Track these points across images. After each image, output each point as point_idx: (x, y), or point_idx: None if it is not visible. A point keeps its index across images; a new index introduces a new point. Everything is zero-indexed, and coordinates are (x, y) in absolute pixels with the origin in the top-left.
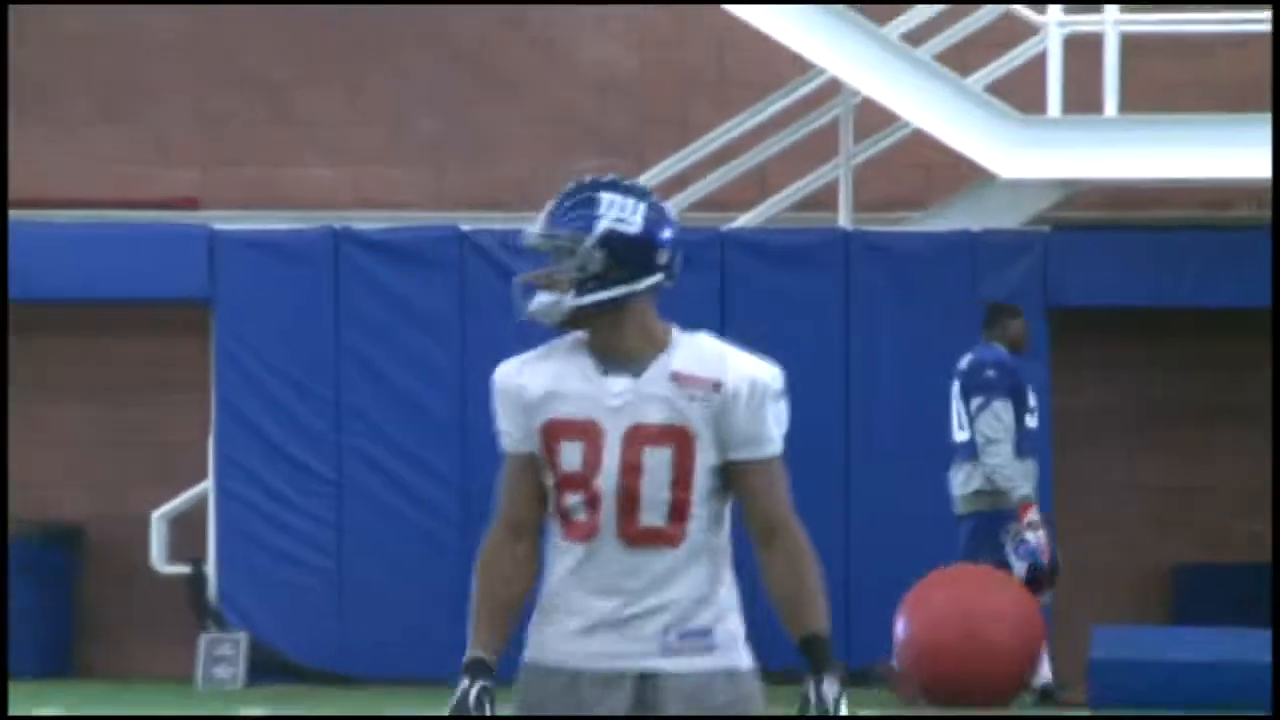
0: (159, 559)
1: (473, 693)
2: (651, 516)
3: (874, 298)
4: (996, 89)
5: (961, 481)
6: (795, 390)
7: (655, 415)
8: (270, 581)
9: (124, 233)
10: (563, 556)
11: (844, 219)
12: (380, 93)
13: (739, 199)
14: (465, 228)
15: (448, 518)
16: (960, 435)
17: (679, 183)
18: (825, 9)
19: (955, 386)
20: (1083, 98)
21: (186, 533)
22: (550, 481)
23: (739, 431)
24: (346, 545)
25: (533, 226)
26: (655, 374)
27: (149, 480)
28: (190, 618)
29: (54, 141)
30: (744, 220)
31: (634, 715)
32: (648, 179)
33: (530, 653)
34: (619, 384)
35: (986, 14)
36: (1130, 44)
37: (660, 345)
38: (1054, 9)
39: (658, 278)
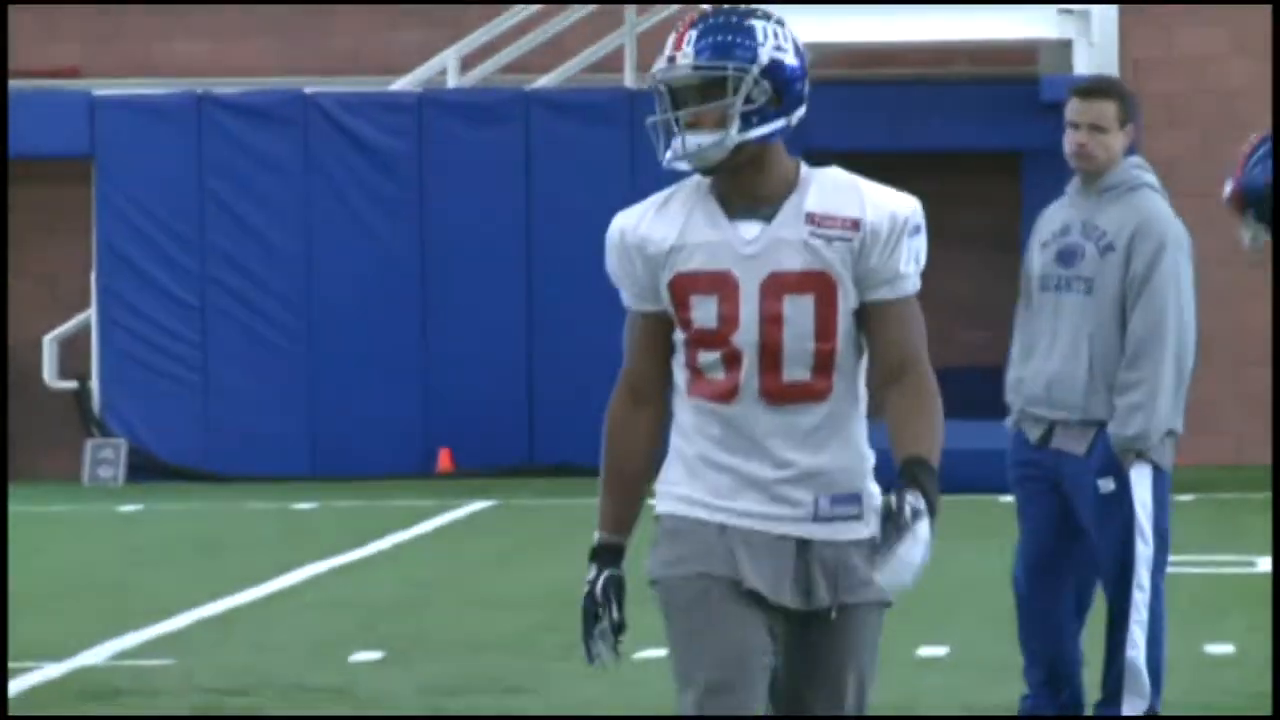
0: (50, 376)
1: (599, 583)
2: (796, 371)
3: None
4: None
5: None
6: (587, 224)
7: (793, 261)
8: (146, 394)
9: (16, 98)
10: (697, 415)
11: (629, 80)
12: None
13: (541, 64)
14: (308, 90)
15: (295, 334)
16: None
17: (489, 50)
18: None
19: None
20: None
21: (73, 353)
22: (682, 337)
23: (878, 270)
24: (210, 361)
25: (680, 59)
26: (789, 216)
27: (40, 309)
28: (77, 426)
29: None
30: (544, 81)
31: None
32: (460, 48)
33: (665, 504)
34: (751, 230)
35: None
36: None
37: (791, 184)
38: None
39: (803, 111)
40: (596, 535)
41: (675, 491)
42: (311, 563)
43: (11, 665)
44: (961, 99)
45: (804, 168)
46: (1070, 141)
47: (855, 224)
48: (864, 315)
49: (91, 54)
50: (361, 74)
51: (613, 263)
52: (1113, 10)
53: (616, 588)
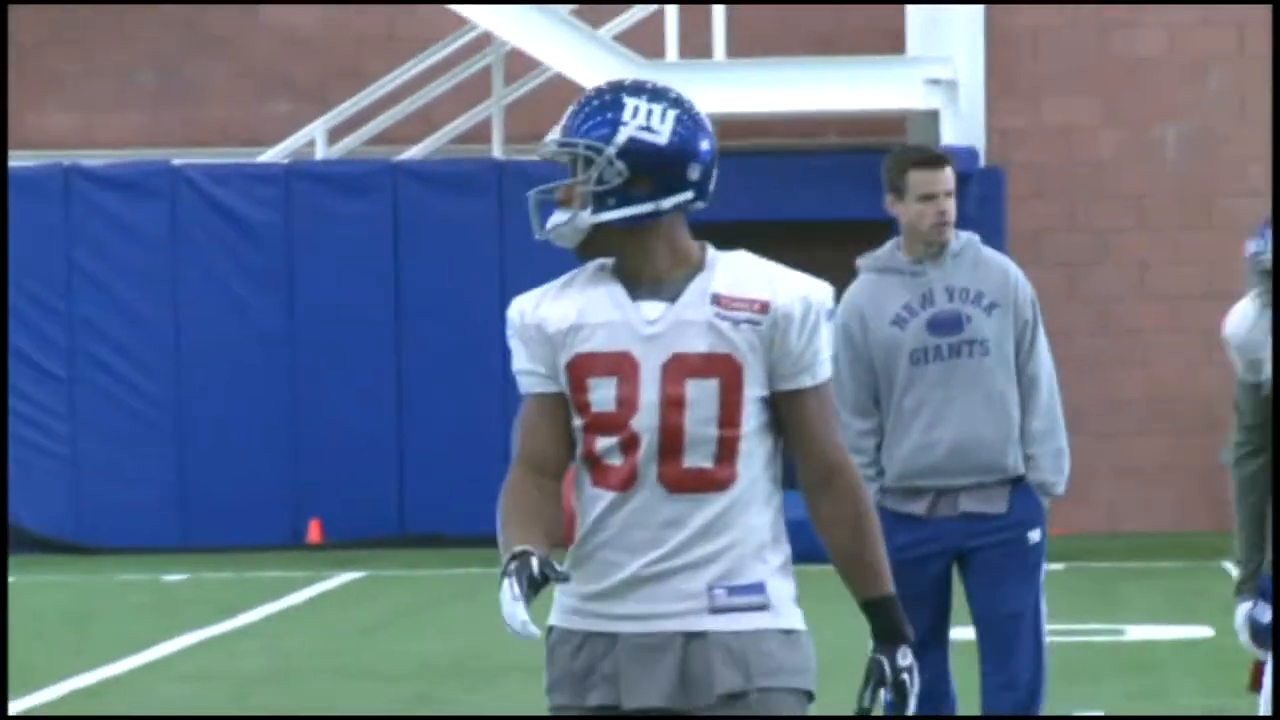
0: None
1: (534, 563)
2: (697, 458)
3: (524, 217)
4: (623, 39)
5: None
6: (457, 296)
7: (698, 343)
8: (15, 466)
9: None
10: (593, 506)
11: (498, 151)
12: (107, 52)
13: (407, 135)
14: (176, 162)
15: (164, 406)
16: None
17: (356, 122)
18: None
19: None
20: (695, 43)
21: None
22: (579, 423)
23: (797, 356)
24: (79, 432)
25: (551, 134)
26: (694, 297)
27: None
28: None
29: None
30: (411, 153)
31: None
32: (328, 119)
33: (557, 618)
34: (654, 310)
35: None
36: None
37: (695, 265)
38: None
39: (686, 195)
40: (508, 553)
41: (564, 602)
42: (182, 634)
43: None
44: (831, 169)
45: (710, 249)
46: (933, 213)
47: (764, 306)
48: (781, 406)
49: None
50: (229, 145)
51: (514, 345)
52: (979, 81)
53: (552, 565)
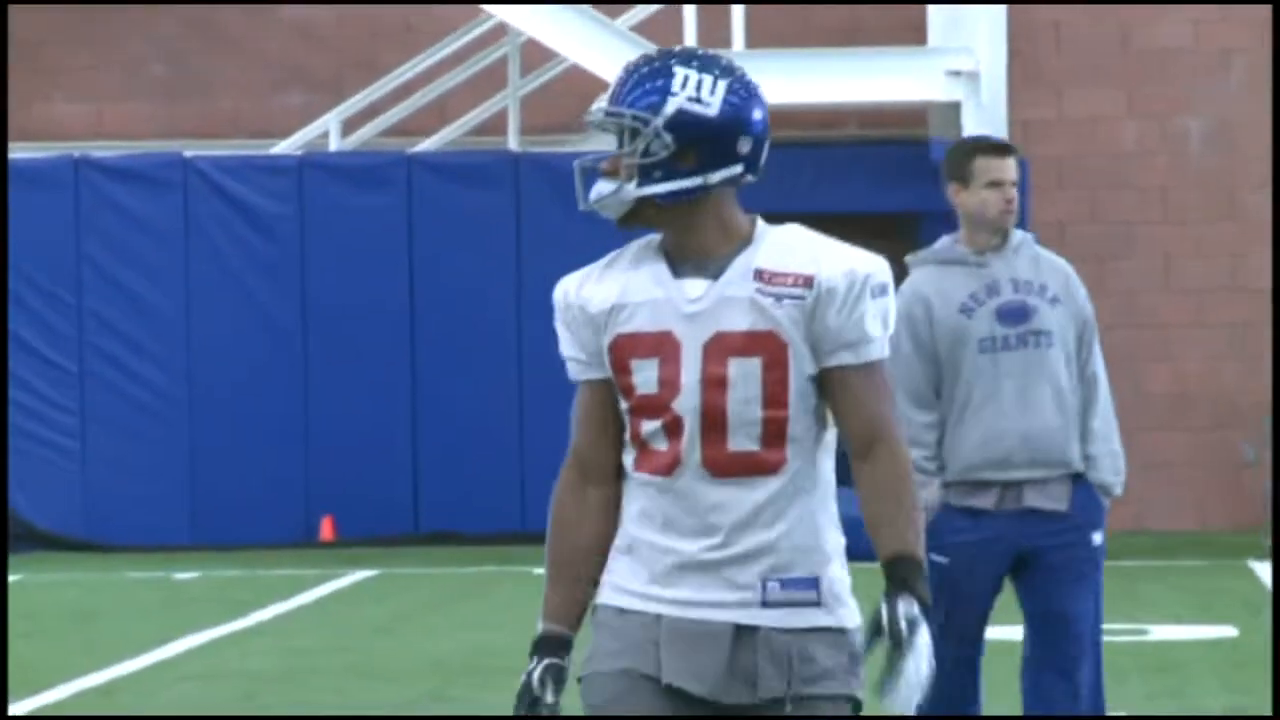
0: None
1: (535, 673)
2: (743, 440)
3: (540, 209)
4: (641, 30)
5: None
6: (471, 289)
7: (739, 321)
8: (24, 462)
9: None
10: (640, 492)
11: (513, 143)
12: (118, 43)
13: (423, 127)
14: (188, 154)
15: (175, 401)
16: None
17: (370, 114)
18: None
19: None
20: (713, 37)
21: None
22: (625, 406)
23: (839, 332)
24: (89, 428)
25: (599, 102)
26: (737, 273)
27: None
28: None
29: None
30: (427, 145)
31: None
32: (342, 111)
33: (602, 595)
34: (697, 288)
35: None
36: None
37: (743, 240)
38: None
39: (736, 170)
40: (540, 626)
41: (612, 580)
42: (193, 633)
43: None
44: (851, 161)
45: (760, 223)
46: (1000, 200)
47: (808, 281)
48: (826, 383)
49: None
50: (242, 137)
51: (560, 328)
52: (1001, 72)
53: (555, 675)
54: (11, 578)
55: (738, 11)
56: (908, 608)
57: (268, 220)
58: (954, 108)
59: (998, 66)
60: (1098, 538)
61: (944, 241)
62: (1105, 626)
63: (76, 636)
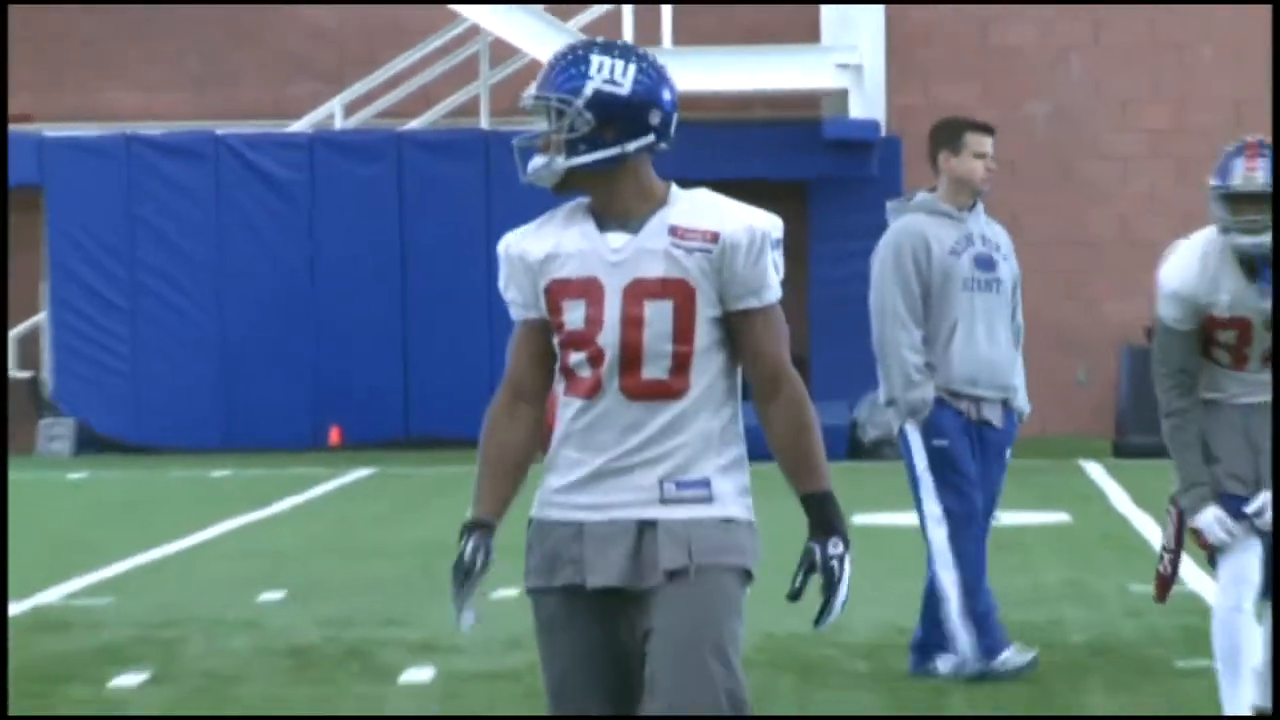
0: (11, 367)
1: (468, 548)
2: (654, 370)
3: (507, 177)
4: (588, 29)
5: None
6: (451, 241)
7: (655, 269)
8: (88, 381)
9: None
10: (566, 412)
11: (484, 123)
12: (162, 41)
13: (410, 110)
14: (219, 132)
15: (209, 332)
16: None
17: (367, 99)
18: None
19: None
20: (646, 36)
21: (29, 349)
22: (557, 340)
23: (739, 280)
24: (138, 353)
25: (530, 88)
26: (654, 229)
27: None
28: (33, 409)
29: None
30: (414, 124)
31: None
32: (344, 97)
33: (535, 510)
34: (619, 240)
35: None
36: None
37: (658, 202)
38: None
39: (649, 139)
40: (469, 513)
41: (540, 495)
42: (225, 520)
43: None
44: (757, 138)
45: (674, 188)
46: (982, 169)
47: (714, 236)
48: (732, 326)
49: (41, 102)
50: (263, 117)
51: (502, 274)
52: (881, 65)
53: (485, 550)
54: (76, 475)
55: (666, 14)
56: (835, 548)
57: (284, 185)
58: (842, 95)
59: (878, 61)
60: (1009, 453)
61: (924, 196)
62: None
63: (130, 523)
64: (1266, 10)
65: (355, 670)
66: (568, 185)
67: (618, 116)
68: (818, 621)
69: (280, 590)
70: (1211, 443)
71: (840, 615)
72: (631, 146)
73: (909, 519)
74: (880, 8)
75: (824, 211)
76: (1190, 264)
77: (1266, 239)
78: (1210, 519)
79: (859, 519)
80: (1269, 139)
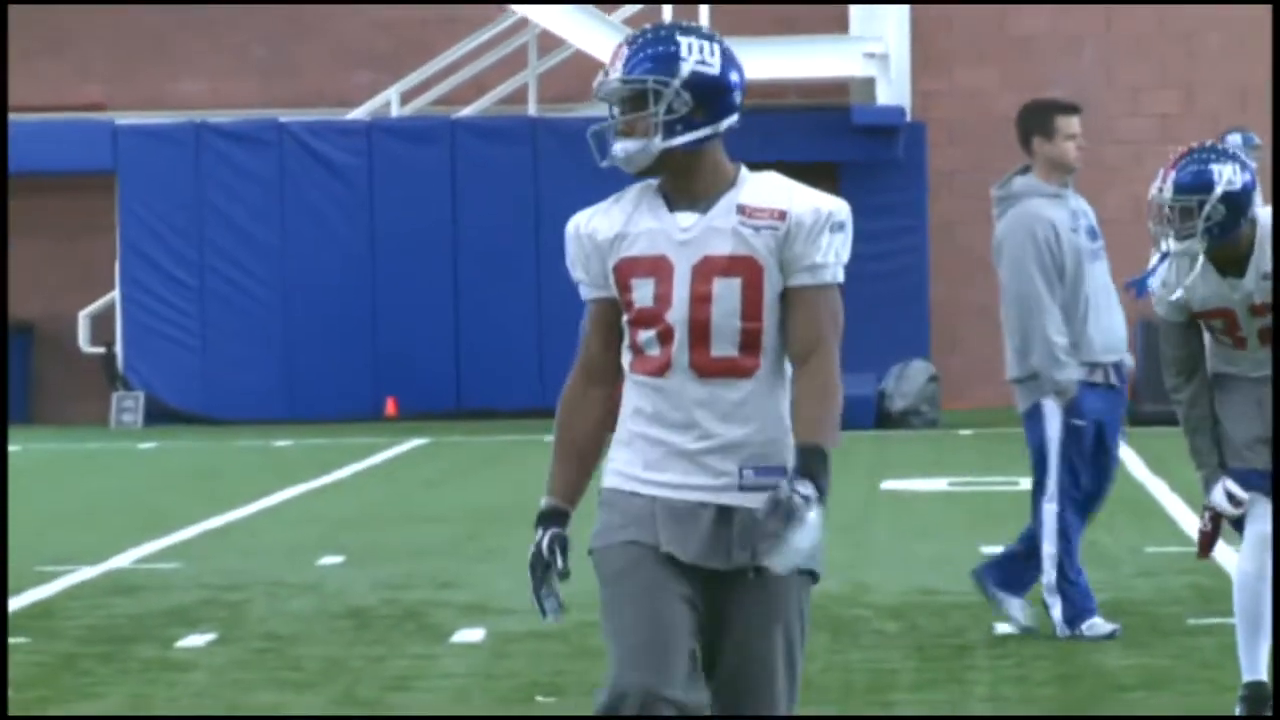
0: (84, 343)
1: (544, 541)
2: (724, 347)
3: (553, 160)
4: (630, 22)
5: None
6: (501, 223)
7: (723, 247)
8: (158, 356)
9: (58, 127)
10: (636, 391)
11: (533, 110)
12: (227, 33)
13: (463, 97)
14: (283, 119)
15: (274, 309)
16: None
17: (423, 88)
18: None
19: None
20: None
21: (102, 325)
22: (626, 319)
23: (801, 257)
24: (208, 330)
25: (612, 74)
26: (723, 208)
27: (76, 291)
28: (105, 382)
29: (20, 65)
30: (466, 112)
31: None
32: (401, 85)
33: (606, 480)
34: (688, 219)
35: None
36: None
37: (729, 182)
38: None
39: (734, 117)
40: (544, 501)
41: (613, 467)
42: (287, 487)
43: (55, 568)
44: (790, 122)
45: (744, 170)
46: (1074, 149)
47: (781, 215)
48: (786, 300)
49: (114, 92)
50: (324, 106)
51: (570, 253)
52: (906, 54)
53: (561, 543)
54: (147, 444)
55: (704, 9)
56: (804, 488)
57: (344, 170)
58: (869, 82)
59: (903, 50)
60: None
61: (1029, 180)
62: (988, 479)
63: (199, 490)
64: (1269, 2)
65: (410, 630)
66: (653, 169)
67: (711, 96)
68: (772, 557)
69: (339, 554)
70: (1225, 413)
71: (798, 564)
72: (723, 125)
73: (935, 485)
74: (905, 4)
75: (853, 192)
76: (1166, 275)
77: (1178, 246)
78: (1220, 497)
79: (887, 484)
80: (1225, 138)
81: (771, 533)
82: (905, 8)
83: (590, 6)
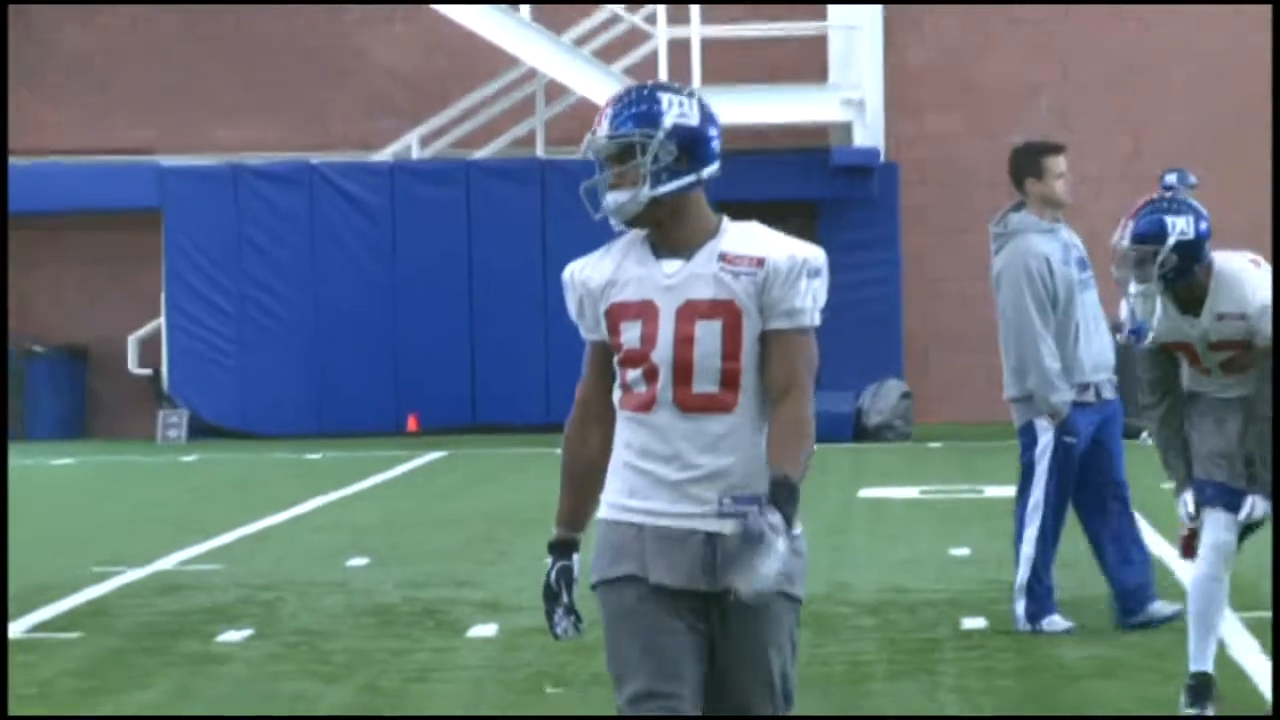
0: (133, 365)
1: (553, 574)
2: (705, 384)
3: (560, 199)
4: (629, 71)
5: None
6: (513, 257)
7: (705, 291)
8: (200, 377)
9: (111, 169)
10: (625, 426)
11: (541, 152)
12: (263, 83)
13: (477, 141)
14: (313, 161)
15: (305, 334)
16: None
17: (440, 132)
18: (524, 24)
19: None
20: (678, 74)
21: (149, 349)
22: (616, 359)
23: (778, 302)
24: (244, 352)
25: (600, 131)
26: (705, 256)
27: (126, 316)
28: (152, 401)
29: (64, 111)
30: (481, 154)
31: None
32: (421, 130)
33: (600, 512)
34: (673, 266)
35: (624, 27)
36: (708, 42)
37: (711, 232)
38: (661, 21)
39: (714, 166)
40: (554, 531)
41: (606, 499)
42: (318, 496)
43: (104, 570)
44: (773, 164)
45: (726, 220)
46: (1063, 187)
47: (760, 261)
48: (764, 343)
49: (161, 136)
50: (351, 149)
51: (568, 300)
52: (880, 101)
53: (567, 577)
54: (190, 457)
55: (696, 53)
56: (771, 518)
57: (369, 208)
58: (847, 126)
59: (878, 97)
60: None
61: (1024, 216)
62: (955, 487)
63: (235, 499)
64: (1215, 52)
65: (430, 626)
66: (642, 218)
67: (693, 145)
68: (738, 581)
69: (365, 557)
70: (1192, 426)
71: (762, 589)
72: (705, 173)
73: (907, 492)
74: (879, 48)
75: (832, 227)
76: (1133, 311)
77: (1137, 288)
78: (1180, 509)
79: (864, 492)
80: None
81: (739, 557)
82: (879, 57)
83: (592, 56)
